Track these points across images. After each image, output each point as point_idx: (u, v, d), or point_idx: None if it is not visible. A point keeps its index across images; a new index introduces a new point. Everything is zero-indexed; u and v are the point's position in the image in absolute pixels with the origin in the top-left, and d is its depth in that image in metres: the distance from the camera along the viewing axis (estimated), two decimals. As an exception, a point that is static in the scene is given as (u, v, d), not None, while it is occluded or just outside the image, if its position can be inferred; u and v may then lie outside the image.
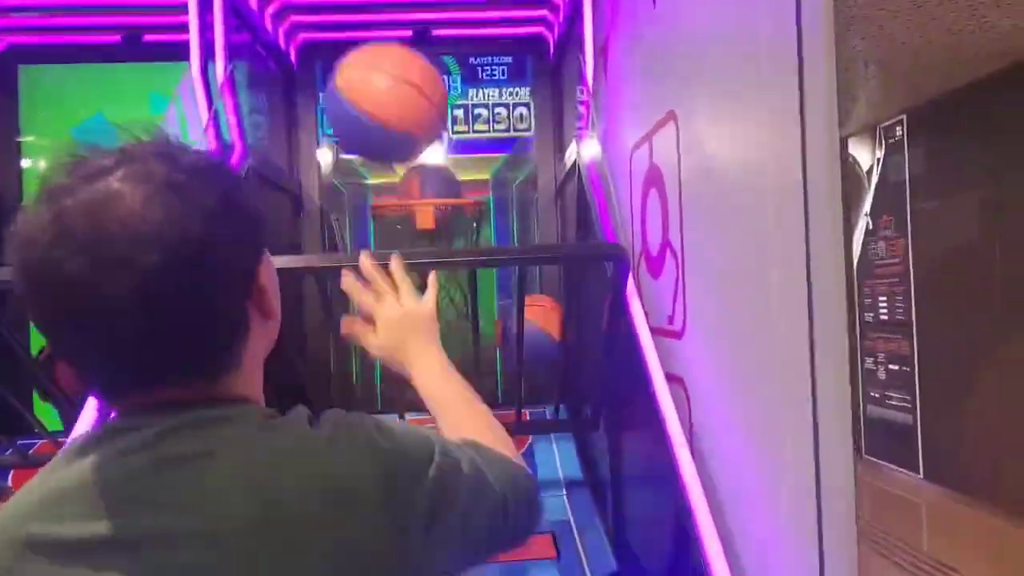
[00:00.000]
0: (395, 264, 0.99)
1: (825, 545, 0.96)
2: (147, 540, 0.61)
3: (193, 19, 2.13)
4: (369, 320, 0.97)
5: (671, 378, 1.70)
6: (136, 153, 0.64)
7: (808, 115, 0.93)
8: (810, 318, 0.97)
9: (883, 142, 2.91)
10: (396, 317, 0.96)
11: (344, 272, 0.95)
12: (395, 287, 0.98)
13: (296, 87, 3.24)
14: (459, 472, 0.72)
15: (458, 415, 0.92)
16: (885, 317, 2.90)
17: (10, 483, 2.56)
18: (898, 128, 3.27)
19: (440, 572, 0.71)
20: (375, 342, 0.97)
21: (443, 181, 3.16)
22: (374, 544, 0.63)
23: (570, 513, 2.56)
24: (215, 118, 2.11)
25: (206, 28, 2.16)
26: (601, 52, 2.42)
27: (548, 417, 2.95)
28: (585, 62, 2.47)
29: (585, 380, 2.59)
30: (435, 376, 0.96)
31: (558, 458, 2.85)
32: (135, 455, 0.63)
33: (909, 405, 3.01)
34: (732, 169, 1.36)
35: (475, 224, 3.39)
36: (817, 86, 0.91)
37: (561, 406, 2.72)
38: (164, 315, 0.61)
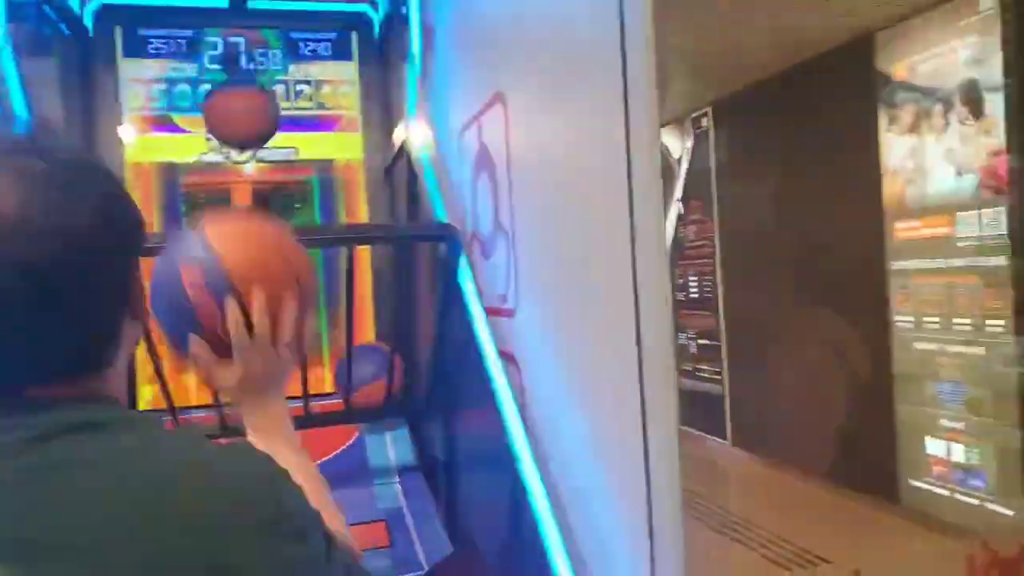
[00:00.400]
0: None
1: (654, 519, 1.01)
2: (22, 547, 0.58)
3: (-38, -29, 1.86)
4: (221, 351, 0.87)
5: (504, 355, 1.71)
6: (5, 146, 0.65)
7: (632, 102, 0.96)
8: (635, 297, 1.00)
9: (692, 132, 3.10)
10: (263, 366, 0.88)
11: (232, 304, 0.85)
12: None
13: (93, 55, 2.93)
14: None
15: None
16: (696, 295, 3.10)
17: None
18: (704, 119, 3.48)
19: None
20: (231, 380, 0.88)
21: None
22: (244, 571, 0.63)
23: (403, 500, 2.55)
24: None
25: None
26: (428, 31, 2.39)
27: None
28: (413, 40, 2.43)
29: (417, 363, 2.57)
30: (282, 437, 0.90)
31: (390, 445, 2.82)
32: (9, 459, 0.61)
33: (718, 377, 3.25)
34: (559, 151, 1.39)
35: (296, 205, 3.26)
36: (639, 75, 0.94)
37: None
38: (45, 312, 0.62)
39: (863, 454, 3.42)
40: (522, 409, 1.63)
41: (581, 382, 1.39)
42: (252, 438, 0.88)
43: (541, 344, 1.58)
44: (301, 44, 3.21)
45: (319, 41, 3.24)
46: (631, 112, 0.95)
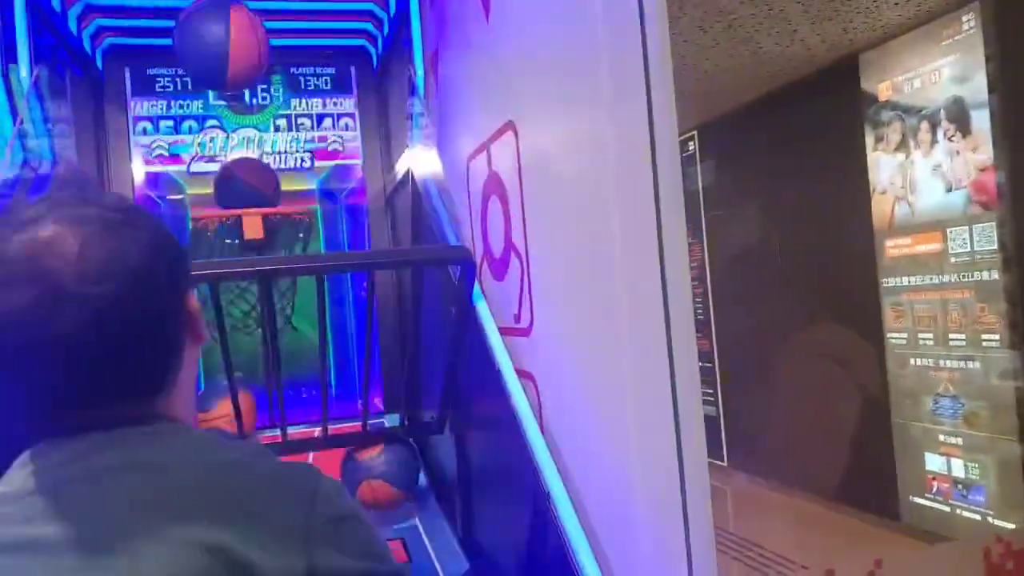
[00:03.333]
0: None
1: (692, 540, 1.07)
2: (83, 543, 0.65)
3: (-9, 17, 1.95)
4: None
5: (521, 374, 1.78)
6: (62, 199, 0.72)
7: (656, 127, 1.04)
8: (667, 320, 1.07)
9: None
10: None
11: None
12: None
13: (104, 94, 3.02)
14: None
15: None
16: (689, 317, 3.10)
17: None
18: (691, 143, 3.58)
19: None
20: None
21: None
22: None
23: (417, 518, 2.60)
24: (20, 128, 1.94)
25: (7, 28, 1.98)
26: (431, 63, 2.49)
27: (387, 426, 2.97)
28: (415, 73, 2.52)
29: (427, 385, 2.63)
30: None
31: (399, 466, 2.87)
32: (67, 469, 0.68)
33: (712, 399, 3.35)
34: (573, 174, 1.47)
35: (302, 235, 3.33)
36: (663, 99, 1.03)
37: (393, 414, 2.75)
38: (109, 343, 0.68)
39: (863, 472, 3.45)
40: (541, 424, 1.70)
41: (599, 398, 1.46)
42: None
43: (558, 360, 1.65)
44: (302, 79, 3.31)
45: (319, 76, 3.33)
46: (656, 134, 1.04)
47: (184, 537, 0.65)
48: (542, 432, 1.68)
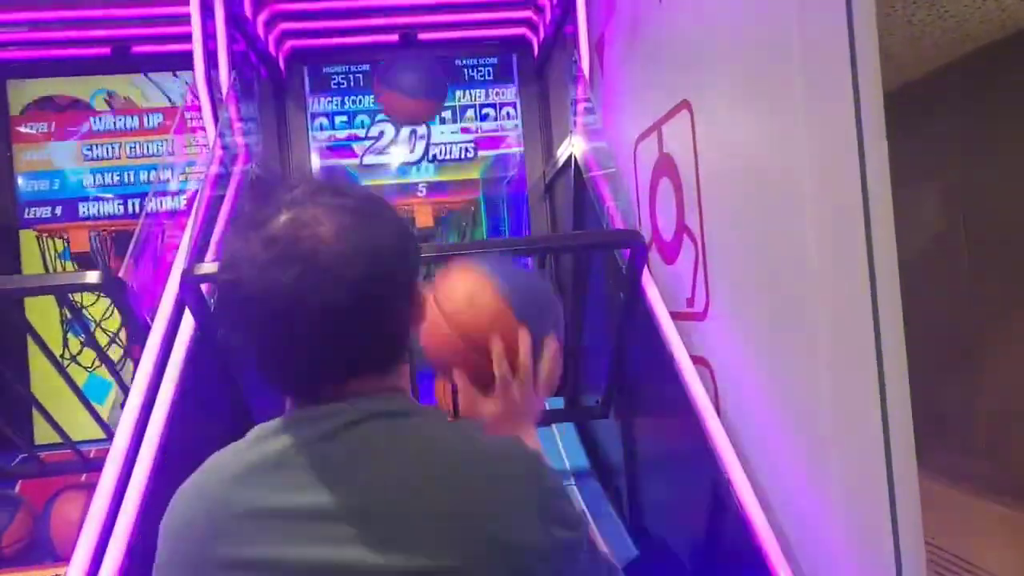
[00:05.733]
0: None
1: (901, 541, 1.01)
2: (339, 513, 0.70)
3: (196, 28, 2.14)
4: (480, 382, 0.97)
5: (695, 359, 1.74)
6: (317, 186, 0.78)
7: (864, 107, 0.98)
8: (874, 309, 1.02)
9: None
10: (521, 400, 0.96)
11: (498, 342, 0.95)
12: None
13: (285, 93, 3.24)
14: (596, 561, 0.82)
15: None
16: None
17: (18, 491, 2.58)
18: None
19: None
20: (490, 410, 0.97)
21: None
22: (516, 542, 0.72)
23: (583, 502, 2.60)
24: (222, 126, 2.12)
25: (208, 37, 2.17)
26: (596, 48, 2.47)
27: (548, 408, 2.99)
28: (581, 58, 2.52)
29: (590, 369, 2.63)
30: None
31: (562, 449, 2.89)
32: (330, 441, 0.74)
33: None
34: (760, 156, 1.41)
35: (464, 223, 3.43)
36: (869, 81, 0.97)
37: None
38: (360, 317, 0.73)
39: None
40: (718, 410, 1.66)
41: (784, 386, 1.40)
42: None
43: (736, 346, 1.61)
44: (465, 71, 3.40)
45: (482, 67, 3.41)
46: (863, 118, 0.98)
47: (440, 513, 0.71)
48: (720, 417, 1.64)
